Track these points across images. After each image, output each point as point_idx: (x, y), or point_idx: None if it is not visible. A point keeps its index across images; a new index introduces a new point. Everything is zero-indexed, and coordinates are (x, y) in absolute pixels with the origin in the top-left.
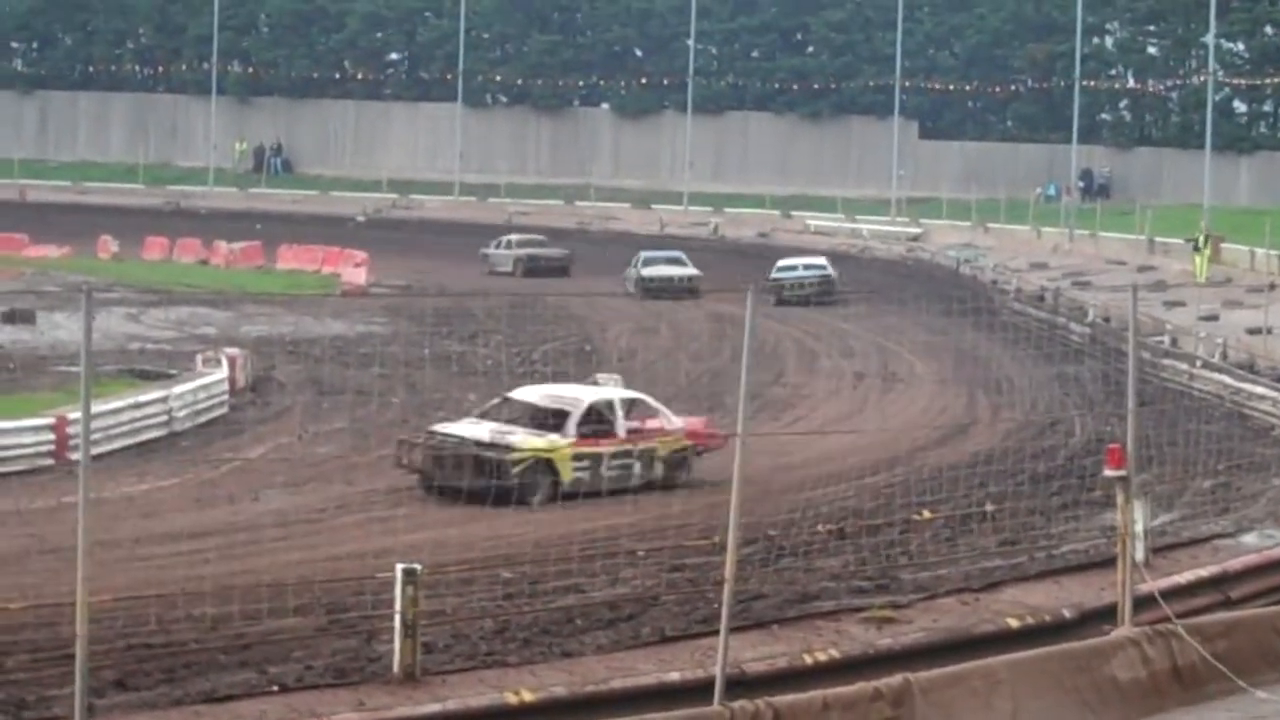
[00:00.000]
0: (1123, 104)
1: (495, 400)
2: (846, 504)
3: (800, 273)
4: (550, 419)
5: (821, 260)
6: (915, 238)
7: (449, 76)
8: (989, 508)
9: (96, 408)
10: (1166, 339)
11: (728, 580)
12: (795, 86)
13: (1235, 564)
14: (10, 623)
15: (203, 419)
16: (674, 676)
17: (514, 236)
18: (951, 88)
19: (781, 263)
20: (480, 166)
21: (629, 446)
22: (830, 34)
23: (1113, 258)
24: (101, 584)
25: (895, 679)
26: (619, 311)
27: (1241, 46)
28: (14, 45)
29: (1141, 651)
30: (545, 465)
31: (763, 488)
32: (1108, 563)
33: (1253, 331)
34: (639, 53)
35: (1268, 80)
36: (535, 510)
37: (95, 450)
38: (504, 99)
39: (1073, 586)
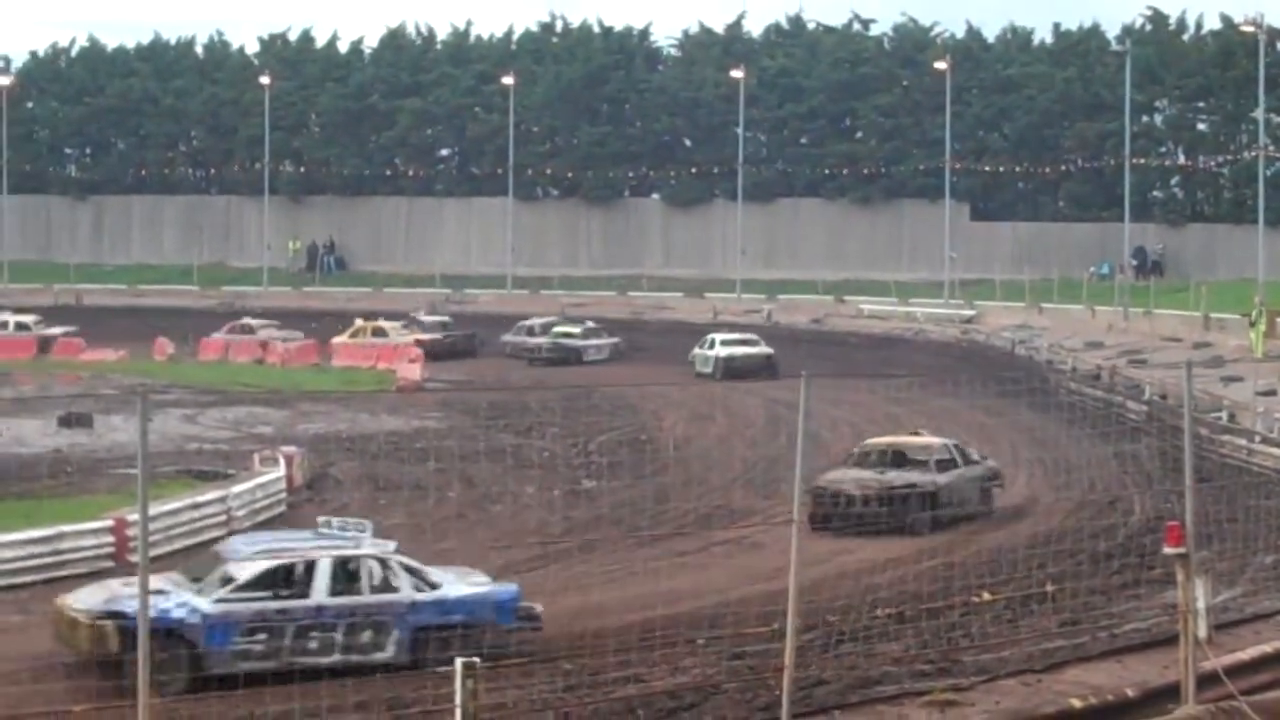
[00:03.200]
0: (1174, 181)
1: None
2: (906, 588)
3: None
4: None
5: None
6: (969, 319)
7: (500, 171)
8: (1049, 588)
9: (155, 509)
10: (1224, 414)
11: (788, 667)
12: (845, 172)
13: None
14: None
15: (261, 518)
16: None
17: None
18: (1002, 169)
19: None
20: (532, 259)
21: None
22: (879, 119)
23: (1168, 335)
24: None
25: None
26: (673, 400)
27: None
28: (68, 151)
29: None
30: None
31: (822, 572)
32: (1170, 641)
33: None
34: (688, 142)
35: None
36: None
37: (155, 551)
38: (555, 192)
39: (1135, 665)
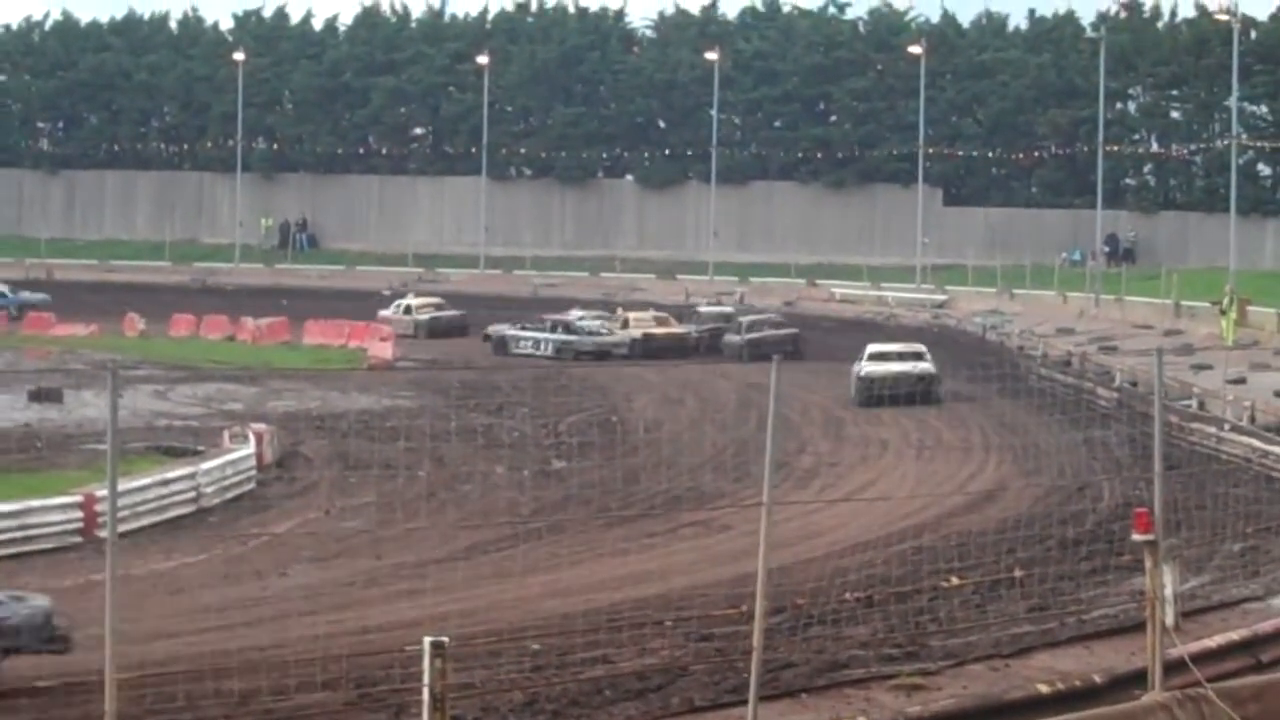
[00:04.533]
0: (1147, 168)
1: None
2: (874, 571)
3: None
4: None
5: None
6: (941, 304)
7: (473, 150)
8: (1018, 573)
9: (124, 485)
10: (1194, 402)
11: (756, 649)
12: (819, 155)
13: (1266, 627)
14: (41, 700)
15: (230, 495)
16: None
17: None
18: (975, 154)
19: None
20: (505, 239)
21: None
22: (853, 103)
23: (1139, 322)
24: (130, 660)
25: None
26: (644, 381)
27: (1265, 109)
28: (40, 125)
29: (1172, 716)
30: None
31: (791, 555)
32: (1138, 627)
33: None
34: (662, 124)
35: None
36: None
37: (123, 527)
38: (528, 171)
39: (1103, 652)
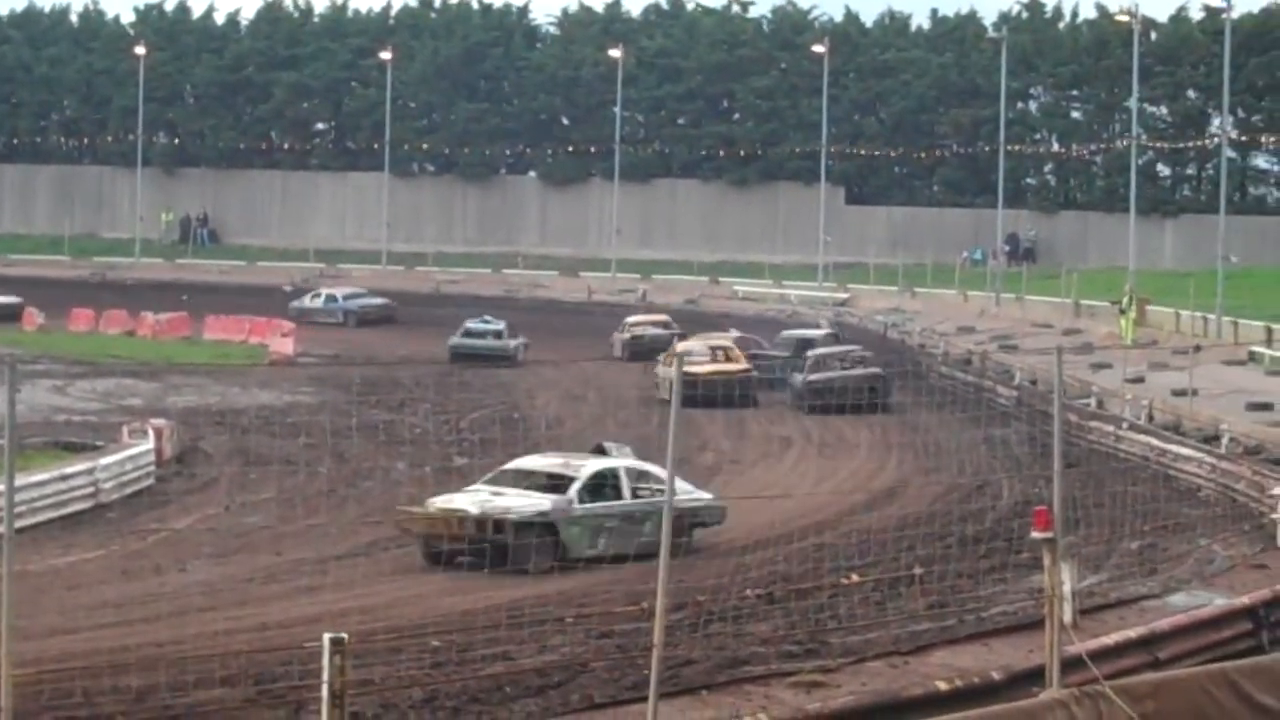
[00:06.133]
0: (1047, 168)
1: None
2: (775, 568)
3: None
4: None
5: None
6: (843, 303)
7: (376, 146)
8: (917, 571)
9: (21, 480)
10: (1093, 401)
11: (656, 646)
12: (722, 153)
13: (1163, 625)
14: None
15: (129, 490)
16: None
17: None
18: (877, 154)
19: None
20: (408, 235)
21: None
22: (756, 101)
23: (1039, 321)
24: (26, 657)
25: None
26: (546, 378)
27: (1164, 110)
28: None
29: (1070, 713)
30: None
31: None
32: (1036, 625)
33: (1178, 393)
34: (566, 121)
35: (1191, 144)
36: (469, 577)
37: (20, 523)
38: (431, 168)
39: (1001, 649)
